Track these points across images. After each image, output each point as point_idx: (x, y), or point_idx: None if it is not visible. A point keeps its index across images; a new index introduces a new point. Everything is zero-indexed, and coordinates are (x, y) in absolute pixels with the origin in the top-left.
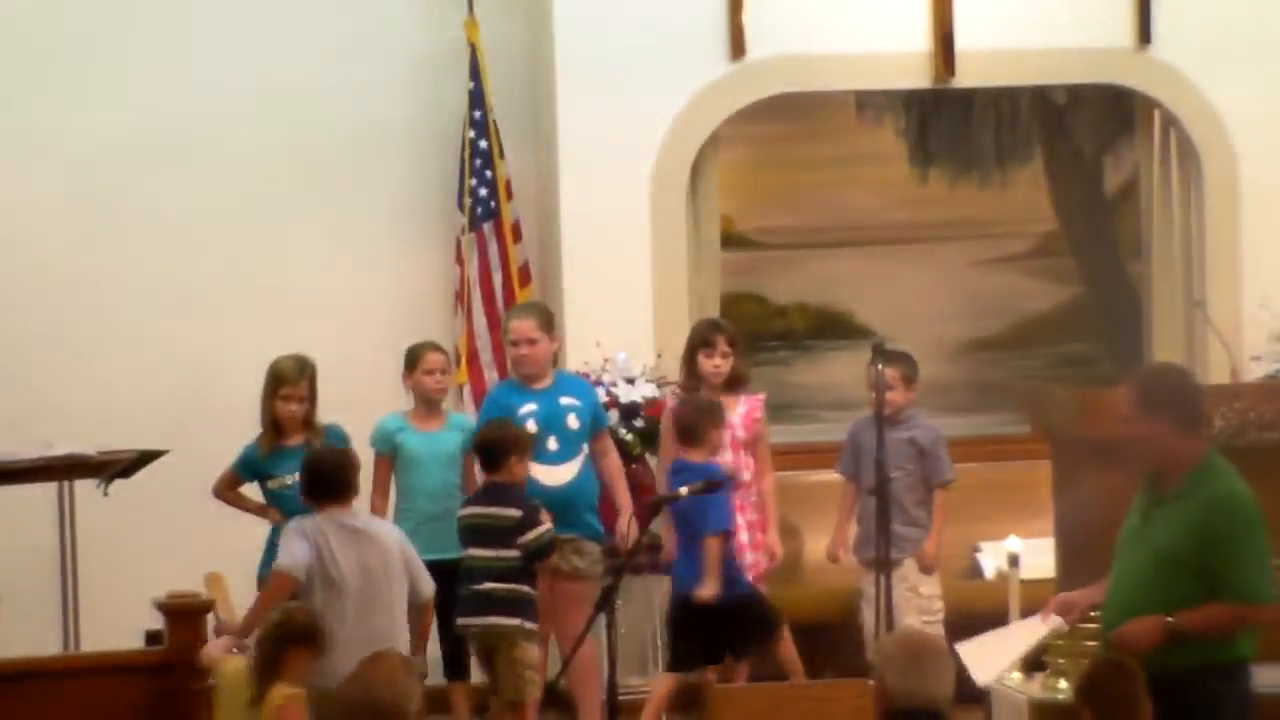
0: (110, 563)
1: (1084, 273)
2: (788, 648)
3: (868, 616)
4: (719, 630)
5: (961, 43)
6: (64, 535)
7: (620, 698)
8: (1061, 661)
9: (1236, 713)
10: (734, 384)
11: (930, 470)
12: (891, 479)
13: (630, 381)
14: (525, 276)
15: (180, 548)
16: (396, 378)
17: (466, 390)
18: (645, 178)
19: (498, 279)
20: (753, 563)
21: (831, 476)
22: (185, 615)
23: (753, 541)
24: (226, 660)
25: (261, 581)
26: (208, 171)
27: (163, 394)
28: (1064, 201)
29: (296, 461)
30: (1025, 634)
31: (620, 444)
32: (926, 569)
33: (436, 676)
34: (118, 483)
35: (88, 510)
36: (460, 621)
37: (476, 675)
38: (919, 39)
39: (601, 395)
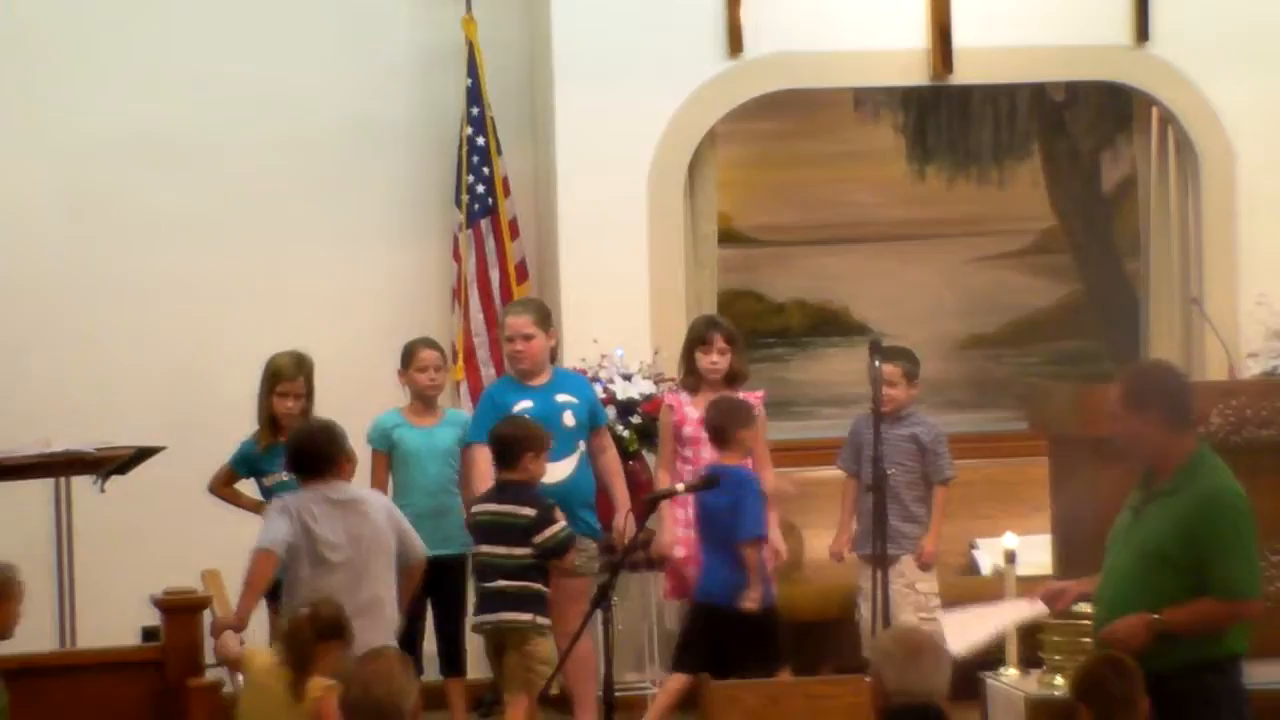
0: (107, 559)
1: (1081, 270)
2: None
3: (865, 612)
4: (732, 642)
5: (959, 40)
6: (61, 532)
7: (616, 694)
8: (1058, 658)
9: (1230, 708)
10: (733, 381)
11: (931, 467)
12: (889, 474)
13: (627, 378)
14: (522, 273)
15: (177, 545)
16: (394, 374)
17: (464, 387)
18: (643, 175)
19: (495, 275)
20: None
21: (830, 473)
22: (182, 612)
23: None
24: (255, 655)
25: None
26: (206, 168)
27: (160, 391)
28: (1062, 199)
29: None
30: (1010, 612)
31: (617, 440)
32: (924, 565)
33: (433, 673)
34: (115, 479)
35: (85, 507)
36: (474, 619)
37: (473, 671)
38: (917, 36)
39: (598, 392)
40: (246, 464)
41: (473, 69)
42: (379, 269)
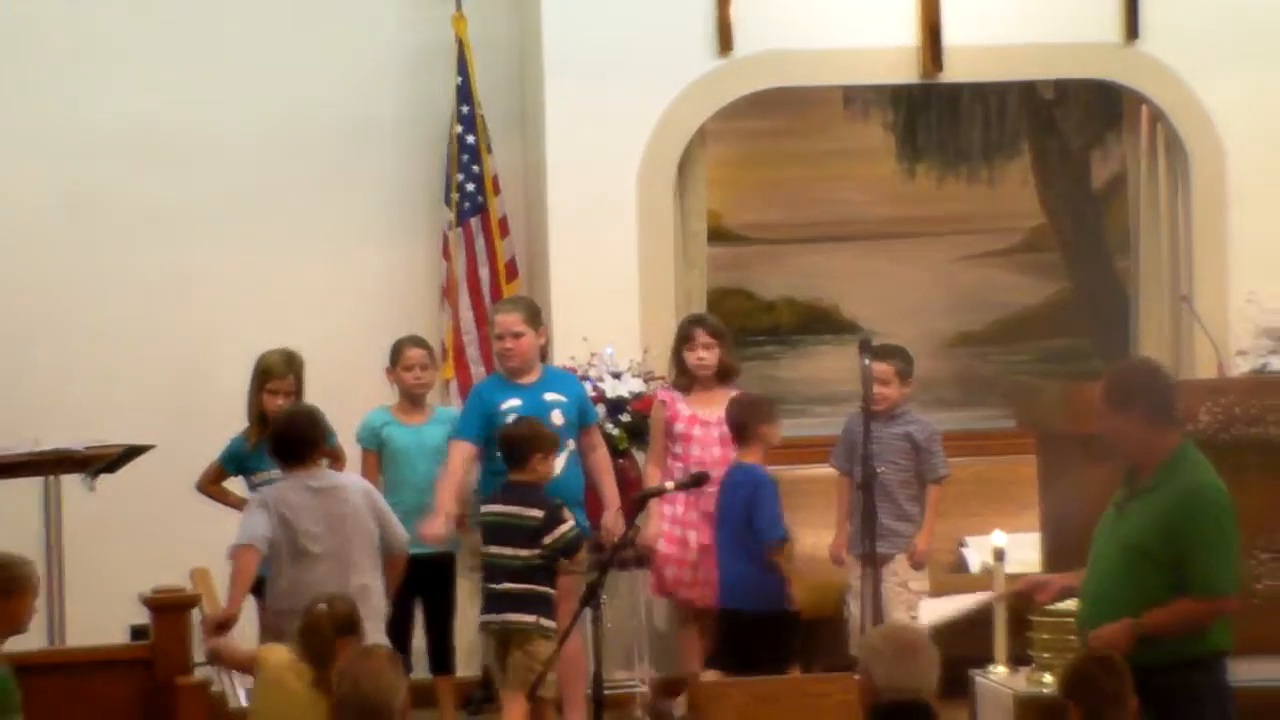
0: (96, 558)
1: (1071, 268)
2: None
3: (854, 610)
4: (751, 642)
5: (949, 38)
6: (50, 530)
7: (605, 692)
8: (1046, 656)
9: (1215, 705)
10: (724, 378)
11: (925, 466)
12: (879, 473)
13: (617, 376)
14: (512, 271)
15: (166, 543)
16: (384, 372)
17: (454, 385)
18: (633, 173)
19: (485, 274)
20: None
21: (820, 471)
22: (171, 610)
23: None
24: (270, 653)
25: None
26: (195, 167)
27: (150, 389)
28: (1051, 197)
29: None
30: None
31: (607, 439)
32: (917, 564)
33: (422, 670)
34: (104, 477)
35: (74, 505)
36: (480, 619)
37: (462, 669)
38: (906, 34)
39: (588, 390)
40: (235, 461)
41: (463, 67)
42: (369, 267)
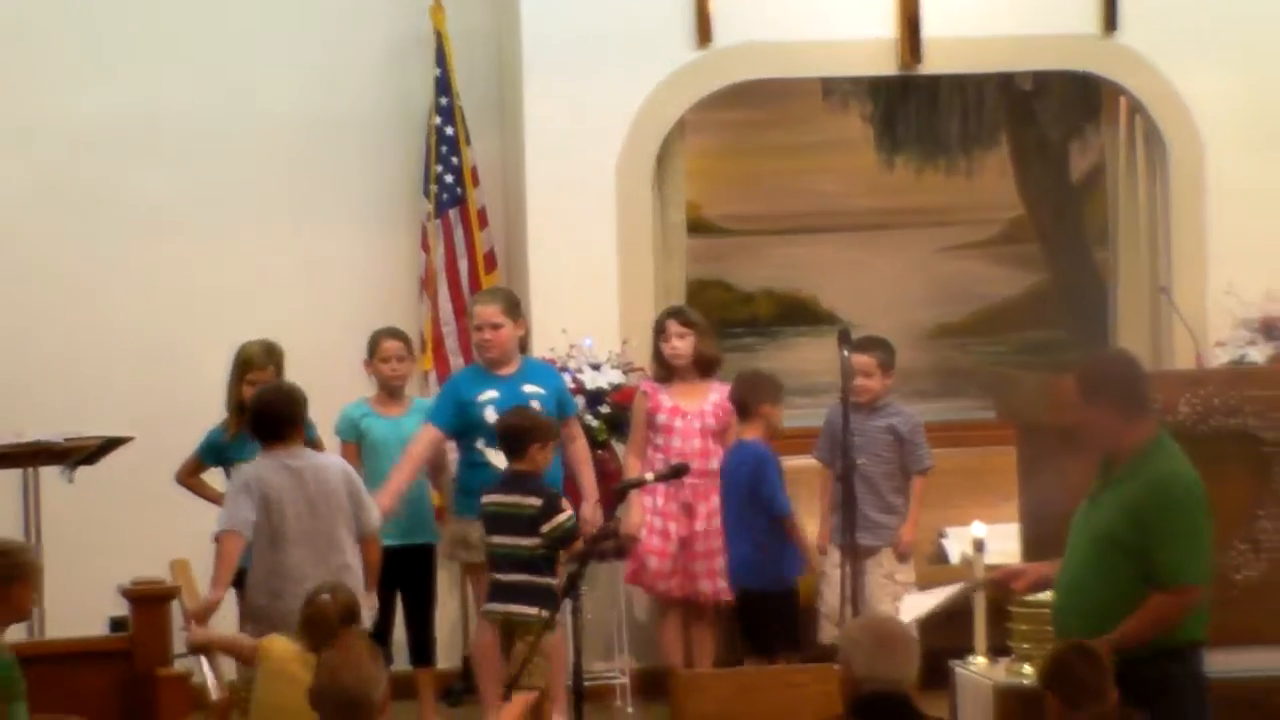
0: (75, 549)
1: (1050, 259)
2: None
3: (827, 596)
4: (758, 622)
5: (928, 30)
6: (29, 522)
7: (585, 684)
8: (1026, 647)
9: (1191, 695)
10: (705, 370)
11: (909, 457)
12: (859, 464)
13: (596, 368)
14: (491, 262)
15: (145, 534)
16: (362, 364)
17: (432, 376)
18: (611, 164)
19: (464, 265)
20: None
21: (800, 462)
22: (150, 602)
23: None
24: (272, 644)
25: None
26: (175, 159)
27: (128, 380)
28: (1030, 188)
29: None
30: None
31: (586, 430)
32: (902, 555)
33: (403, 662)
34: (83, 469)
35: (53, 497)
36: (485, 608)
37: (443, 661)
38: (885, 26)
39: (567, 381)
40: (214, 453)
41: (441, 59)
42: (348, 258)
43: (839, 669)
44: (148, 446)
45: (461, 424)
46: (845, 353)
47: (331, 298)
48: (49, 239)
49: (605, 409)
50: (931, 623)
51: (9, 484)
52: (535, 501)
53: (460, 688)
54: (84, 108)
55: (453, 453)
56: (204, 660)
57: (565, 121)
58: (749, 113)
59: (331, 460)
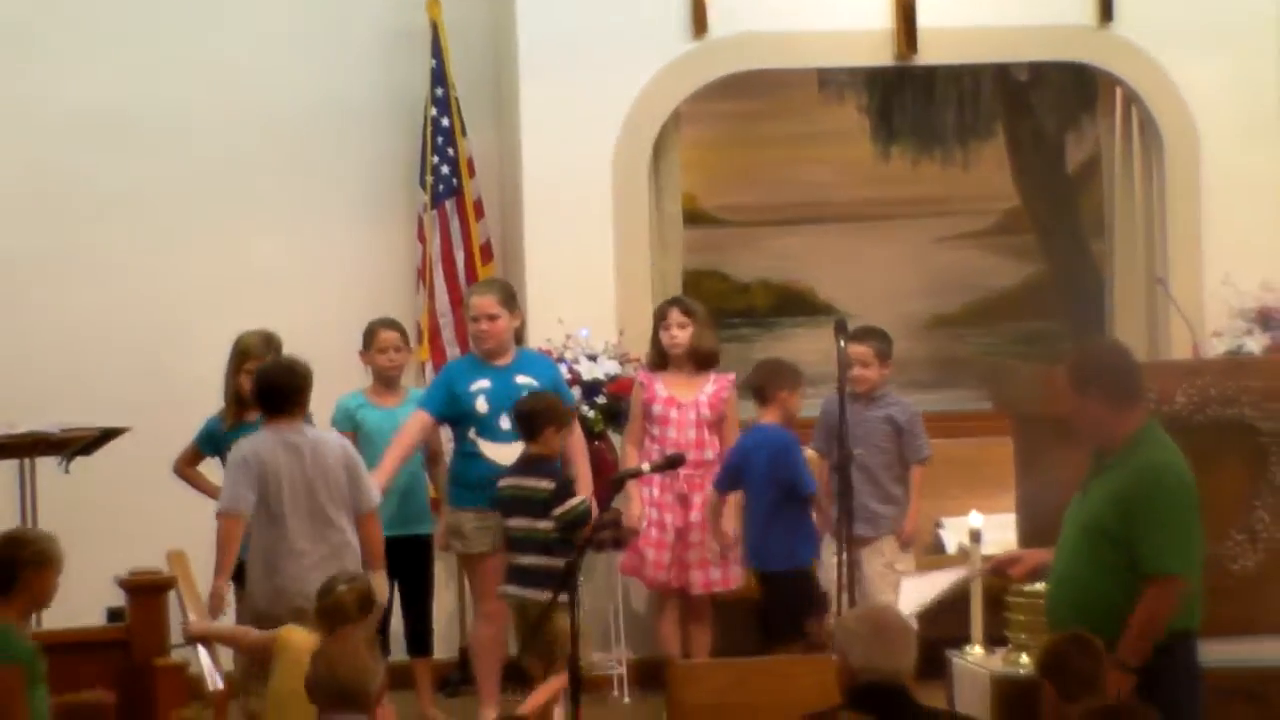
0: (72, 540)
1: (1046, 250)
2: None
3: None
4: (771, 602)
5: (923, 20)
6: (25, 512)
7: (582, 674)
8: (1023, 636)
9: (1185, 684)
10: (703, 362)
11: (908, 448)
12: (857, 455)
13: (592, 358)
14: (487, 253)
15: (142, 525)
16: (357, 355)
17: (429, 367)
18: (608, 155)
19: (460, 256)
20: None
21: None
22: (147, 592)
23: None
24: (291, 634)
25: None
26: (170, 148)
27: (125, 372)
28: (1026, 179)
29: None
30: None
31: (582, 421)
32: (905, 544)
33: (400, 652)
34: (79, 460)
35: (49, 488)
36: (500, 589)
37: (440, 651)
38: (881, 17)
39: (563, 372)
40: (212, 442)
41: (437, 50)
42: (344, 249)
43: (836, 659)
44: (144, 437)
45: (454, 412)
46: (842, 343)
47: (327, 288)
48: (44, 229)
49: (601, 400)
50: (929, 613)
51: (5, 475)
52: (548, 485)
53: (457, 678)
54: (81, 98)
55: (449, 444)
56: (202, 651)
57: (561, 112)
58: (745, 104)
59: (331, 437)
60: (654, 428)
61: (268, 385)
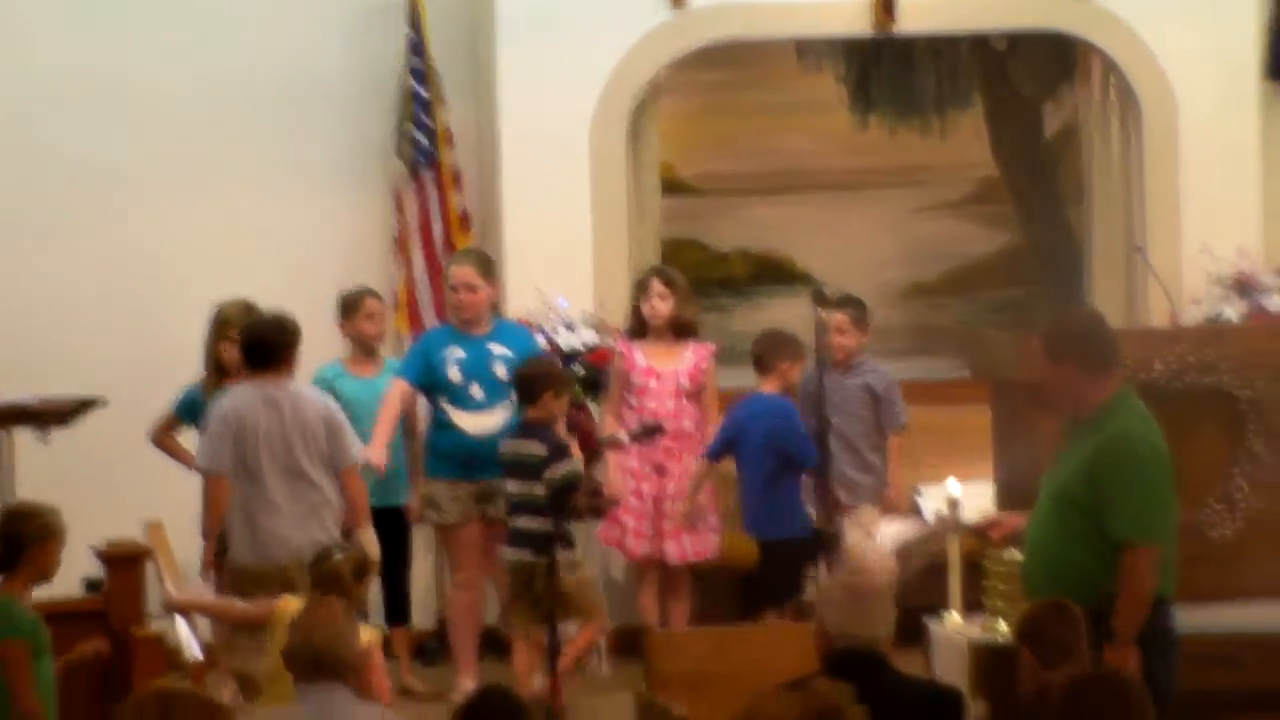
0: None
1: (1024, 218)
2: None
3: None
4: (763, 570)
5: None
6: (2, 483)
7: (560, 641)
8: (1000, 604)
9: (1158, 651)
10: (681, 332)
11: (885, 415)
12: (834, 423)
13: (570, 328)
14: (465, 224)
15: (120, 496)
16: (338, 325)
17: (407, 337)
18: (585, 125)
19: (438, 227)
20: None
21: None
22: (124, 563)
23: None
24: (289, 605)
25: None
26: (147, 119)
27: (101, 342)
28: (1004, 148)
29: None
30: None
31: None
32: (887, 513)
33: (377, 621)
34: (57, 431)
35: (27, 458)
36: (500, 551)
37: (417, 621)
38: None
39: (542, 342)
40: (191, 411)
41: (415, 20)
42: (322, 220)
43: (814, 627)
44: (122, 408)
45: (429, 381)
46: (820, 312)
47: (305, 259)
48: (17, 198)
49: (579, 369)
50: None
51: None
52: (542, 449)
53: (434, 647)
54: (55, 66)
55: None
56: (180, 621)
57: (539, 82)
58: (723, 73)
59: (312, 393)
60: (632, 397)
61: (254, 340)
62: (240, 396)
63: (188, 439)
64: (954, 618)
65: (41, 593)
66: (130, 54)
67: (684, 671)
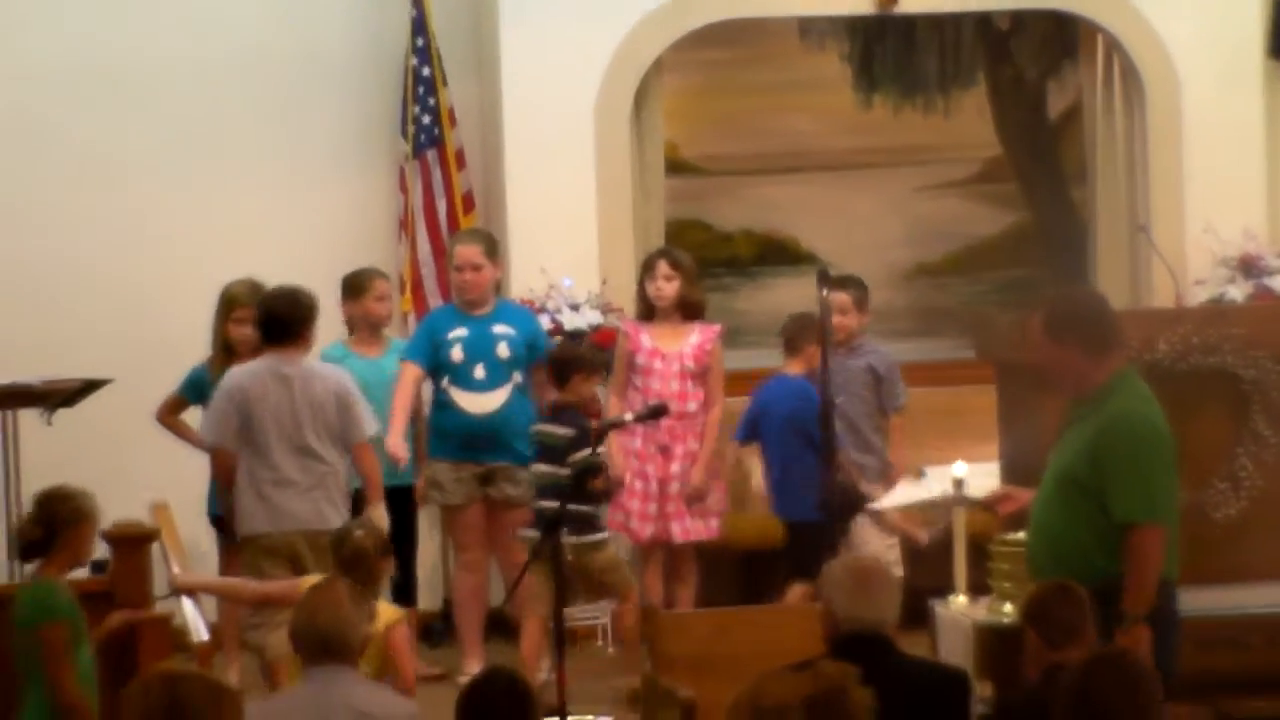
0: None
1: (1028, 198)
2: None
3: None
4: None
5: None
6: (8, 465)
7: (567, 624)
8: (1006, 585)
9: (1162, 632)
10: (688, 313)
11: (886, 396)
12: (837, 404)
13: (575, 308)
14: (469, 204)
15: (125, 477)
16: (340, 304)
17: (412, 318)
18: (589, 104)
19: (442, 206)
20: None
21: None
22: (130, 544)
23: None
24: (309, 583)
25: (213, 519)
26: (151, 100)
27: (107, 323)
28: (1008, 127)
29: None
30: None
31: None
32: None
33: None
34: (62, 412)
35: (32, 440)
36: (520, 533)
37: (423, 602)
38: None
39: (546, 322)
40: (197, 390)
41: None
42: (325, 200)
43: (820, 609)
44: (127, 389)
45: (433, 361)
46: (825, 292)
47: (310, 239)
48: (22, 181)
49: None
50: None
51: None
52: (569, 432)
53: (440, 628)
54: (57, 49)
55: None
56: (186, 602)
57: (542, 62)
58: (726, 52)
59: (326, 370)
60: (637, 378)
61: (269, 314)
62: (249, 371)
63: (194, 419)
64: (959, 600)
65: None
66: (132, 36)
67: (689, 653)
